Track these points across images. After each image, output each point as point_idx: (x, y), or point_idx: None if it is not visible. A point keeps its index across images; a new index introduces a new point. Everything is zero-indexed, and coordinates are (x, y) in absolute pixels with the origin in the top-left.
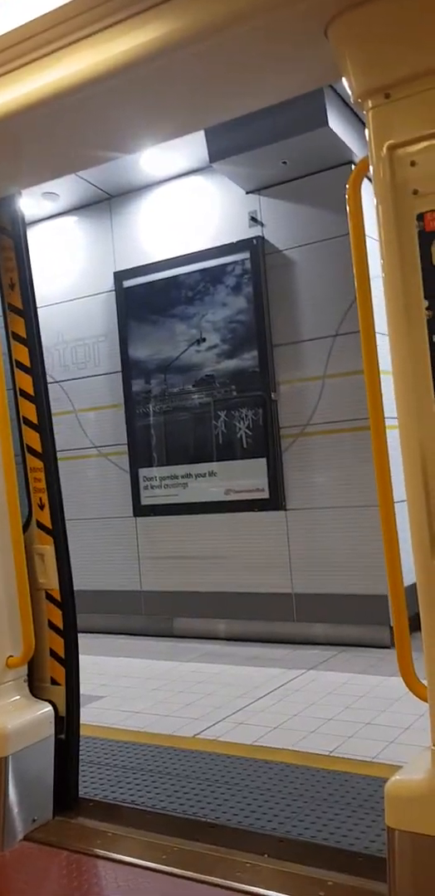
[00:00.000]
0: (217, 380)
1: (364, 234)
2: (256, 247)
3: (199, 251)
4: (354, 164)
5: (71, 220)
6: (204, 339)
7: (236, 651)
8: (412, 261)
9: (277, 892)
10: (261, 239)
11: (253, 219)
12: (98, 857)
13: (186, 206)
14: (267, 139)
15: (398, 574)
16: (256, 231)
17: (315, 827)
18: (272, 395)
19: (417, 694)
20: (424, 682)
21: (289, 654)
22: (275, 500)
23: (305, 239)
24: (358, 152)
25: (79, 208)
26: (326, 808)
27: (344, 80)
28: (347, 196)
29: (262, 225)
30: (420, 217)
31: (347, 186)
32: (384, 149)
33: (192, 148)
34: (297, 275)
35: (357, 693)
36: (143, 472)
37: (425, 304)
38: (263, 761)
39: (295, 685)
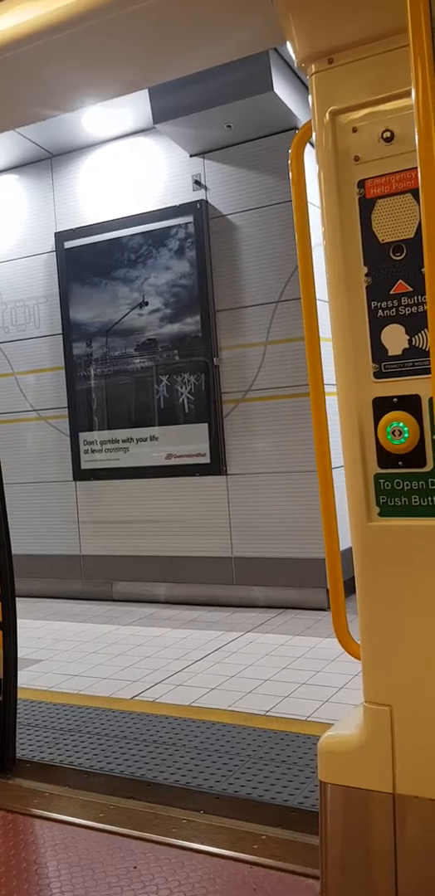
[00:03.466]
0: (159, 344)
1: (306, 200)
2: (199, 210)
3: (143, 213)
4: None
5: (11, 178)
6: (146, 303)
7: (176, 614)
8: (352, 228)
9: (213, 846)
10: (204, 203)
11: (197, 182)
12: (35, 816)
13: (130, 168)
14: (211, 102)
15: (335, 538)
16: (199, 195)
17: (250, 784)
18: (214, 361)
19: (351, 653)
20: (359, 641)
21: (228, 617)
22: (216, 465)
23: (249, 204)
24: (303, 118)
25: (19, 166)
26: (262, 765)
27: (288, 43)
28: (289, 161)
29: (205, 188)
30: (361, 184)
31: (290, 151)
32: (327, 114)
33: (136, 108)
34: (240, 240)
35: (294, 654)
36: (83, 436)
37: (364, 270)
38: (200, 721)
39: (233, 647)
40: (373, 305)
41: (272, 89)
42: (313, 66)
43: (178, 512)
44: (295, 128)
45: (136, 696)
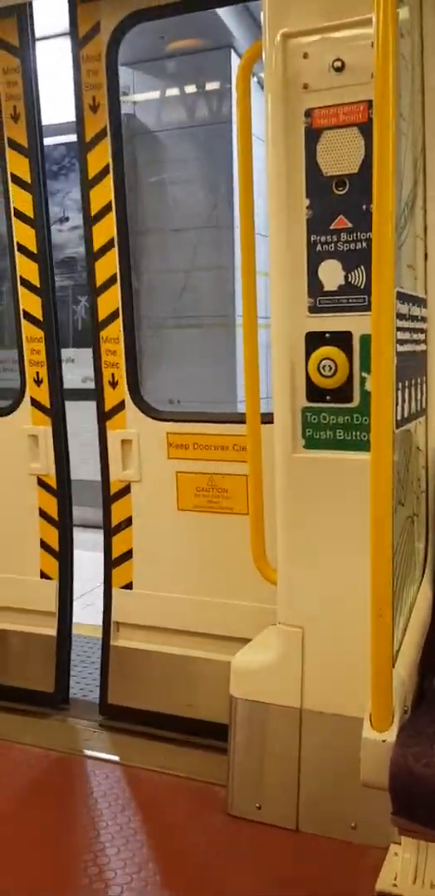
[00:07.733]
0: (79, 263)
1: (250, 124)
2: (126, 124)
3: (68, 122)
4: (235, 50)
5: None
6: (67, 218)
7: (88, 537)
8: (297, 158)
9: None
10: (132, 116)
11: (124, 93)
12: None
13: (58, 71)
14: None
15: (258, 467)
16: (127, 108)
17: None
18: (135, 284)
19: (268, 578)
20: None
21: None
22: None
23: (178, 121)
24: (240, 38)
25: None
26: None
27: None
28: (235, 82)
29: (134, 102)
30: (308, 113)
31: (236, 73)
32: (278, 36)
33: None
34: (168, 159)
35: None
36: None
37: (306, 202)
38: None
39: None
40: (312, 239)
41: None
42: None
43: (86, 434)
44: (230, 46)
45: None
